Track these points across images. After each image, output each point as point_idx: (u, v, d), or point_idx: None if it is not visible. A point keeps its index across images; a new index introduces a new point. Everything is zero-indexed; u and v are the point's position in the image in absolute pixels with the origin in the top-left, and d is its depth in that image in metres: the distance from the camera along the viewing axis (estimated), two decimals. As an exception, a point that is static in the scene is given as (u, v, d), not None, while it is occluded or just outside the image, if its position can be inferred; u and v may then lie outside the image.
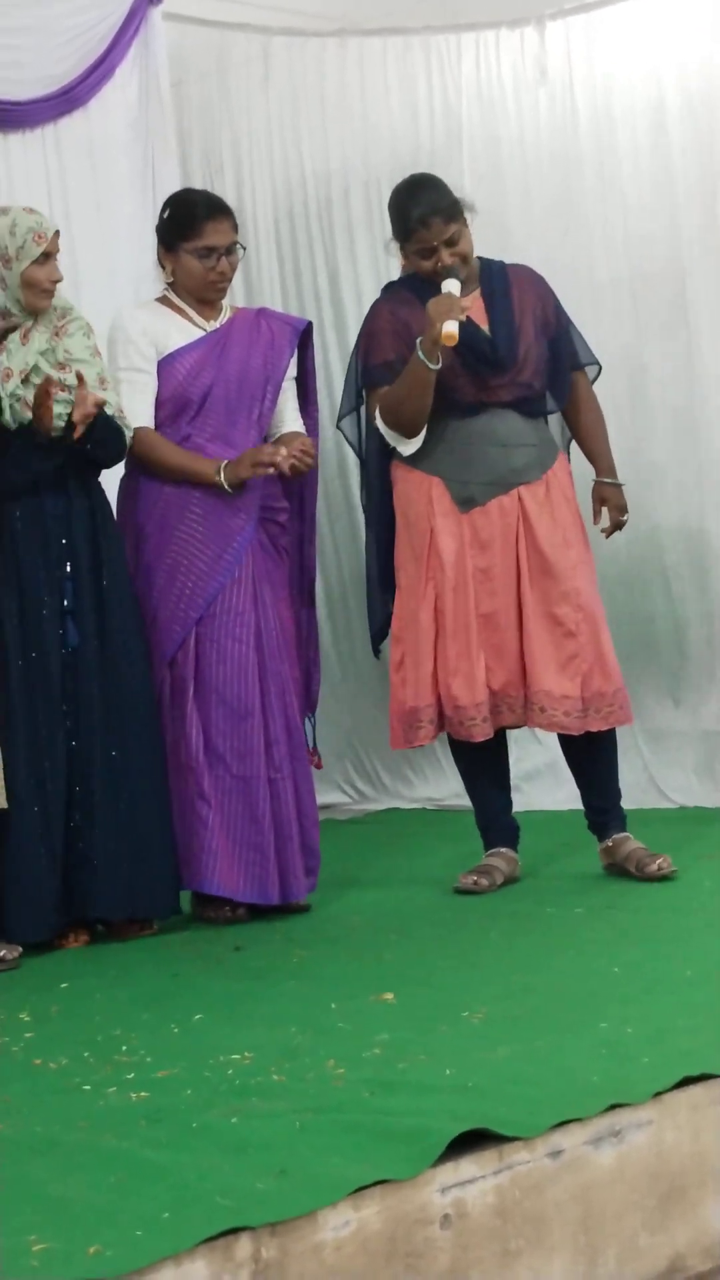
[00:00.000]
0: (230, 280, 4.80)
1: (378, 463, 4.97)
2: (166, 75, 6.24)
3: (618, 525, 4.98)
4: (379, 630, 5.09)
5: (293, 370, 4.84)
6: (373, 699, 6.62)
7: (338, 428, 5.11)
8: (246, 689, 4.61)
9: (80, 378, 4.39)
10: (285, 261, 6.68)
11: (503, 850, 4.90)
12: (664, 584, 6.09)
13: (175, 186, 5.74)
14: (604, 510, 4.96)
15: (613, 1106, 2.72)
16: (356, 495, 6.56)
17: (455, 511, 4.76)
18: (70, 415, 4.36)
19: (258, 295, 6.58)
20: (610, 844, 4.84)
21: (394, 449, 4.82)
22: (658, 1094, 2.79)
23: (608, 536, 5.03)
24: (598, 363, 5.04)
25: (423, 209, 4.74)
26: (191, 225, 4.73)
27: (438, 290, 4.68)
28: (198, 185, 6.34)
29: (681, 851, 4.97)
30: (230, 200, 6.59)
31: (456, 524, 4.76)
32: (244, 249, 4.87)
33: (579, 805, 5.00)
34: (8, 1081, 3.12)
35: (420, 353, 4.61)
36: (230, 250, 4.74)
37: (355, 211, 6.57)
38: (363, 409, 4.96)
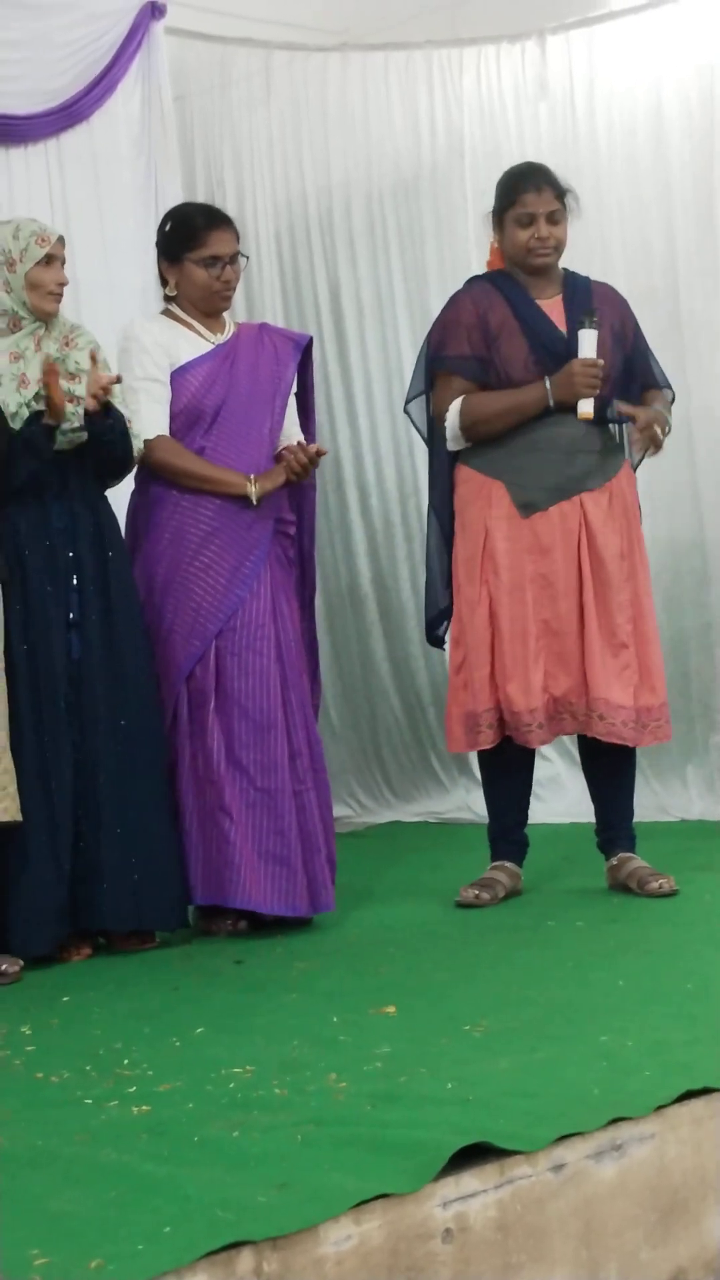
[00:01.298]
0: (234, 289, 4.80)
1: (444, 450, 4.94)
2: (169, 90, 6.27)
3: (650, 434, 4.76)
4: (434, 620, 5.08)
5: (293, 385, 4.85)
6: (372, 712, 6.64)
7: (405, 411, 5.07)
8: (269, 701, 4.61)
9: (93, 356, 4.39)
10: (286, 275, 6.71)
11: (506, 864, 4.90)
12: (663, 598, 6.08)
13: (177, 200, 5.75)
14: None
15: (614, 1120, 2.72)
16: (354, 512, 6.60)
17: (515, 516, 4.75)
18: (86, 393, 4.36)
19: (259, 308, 6.60)
20: (615, 862, 4.84)
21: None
22: (659, 1107, 2.79)
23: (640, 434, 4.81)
24: (672, 389, 5.02)
25: (537, 176, 4.82)
26: (195, 235, 4.74)
27: (521, 289, 4.76)
28: (200, 199, 6.37)
29: (682, 865, 4.98)
30: (232, 214, 6.61)
31: (515, 528, 4.75)
32: (246, 258, 4.88)
33: (580, 819, 5.01)
34: (8, 1094, 3.12)
35: (550, 386, 4.67)
36: (234, 259, 4.75)
37: (356, 225, 6.59)
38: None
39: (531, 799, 6.01)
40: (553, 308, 4.79)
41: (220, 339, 4.77)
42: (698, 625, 6.05)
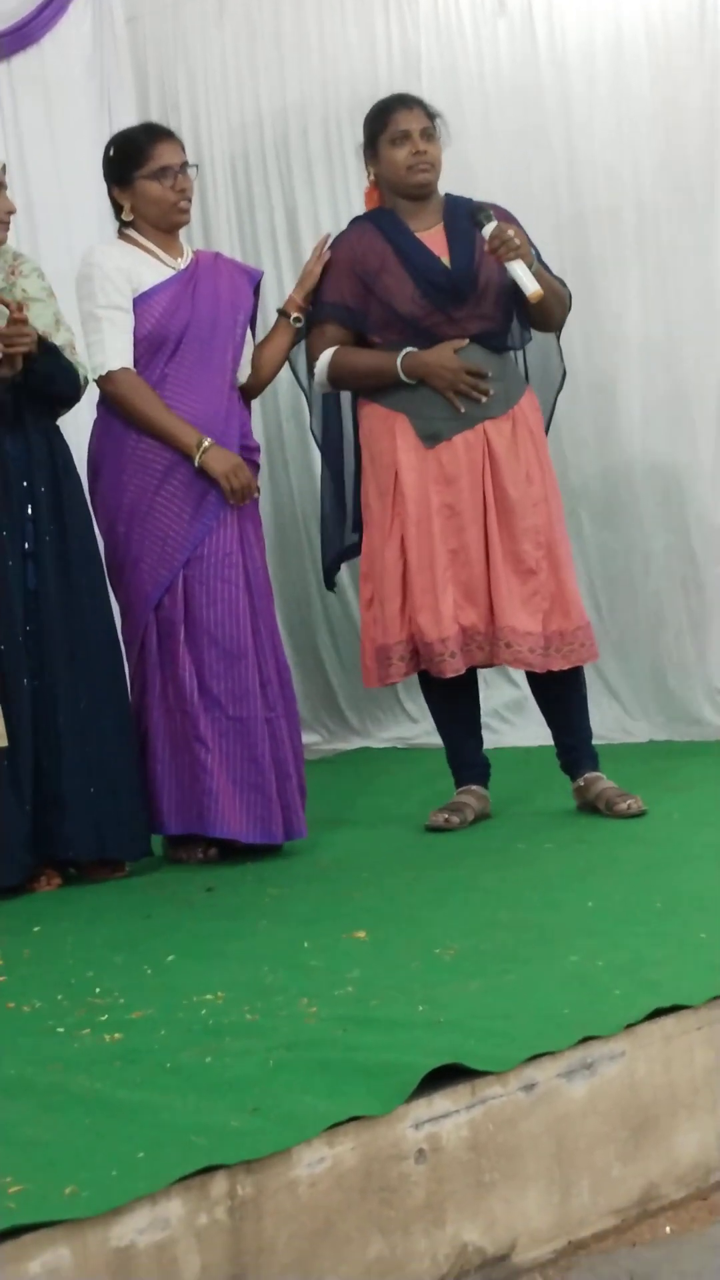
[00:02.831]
0: (190, 200, 4.73)
1: (327, 396, 4.99)
2: (120, 11, 6.20)
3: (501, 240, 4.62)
4: (332, 563, 5.09)
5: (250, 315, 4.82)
6: (337, 640, 6.63)
7: (288, 360, 5.07)
8: (239, 630, 4.59)
9: (20, 305, 4.34)
10: (241, 199, 6.65)
11: (473, 788, 4.90)
12: (633, 518, 6.09)
13: (132, 123, 5.69)
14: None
15: (584, 1039, 2.74)
16: (311, 438, 6.54)
17: (420, 447, 4.74)
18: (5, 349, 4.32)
19: (215, 233, 6.54)
20: (582, 783, 4.84)
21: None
22: (629, 1026, 2.80)
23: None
24: (566, 286, 4.98)
25: (406, 98, 4.85)
26: (141, 151, 4.68)
27: (400, 223, 4.71)
28: (150, 121, 6.29)
29: (651, 785, 4.99)
30: (187, 137, 6.53)
31: (421, 460, 4.74)
32: (196, 167, 4.81)
33: (548, 742, 5.01)
34: (-19, 1026, 3.12)
35: (400, 367, 4.68)
36: (184, 168, 4.69)
37: (313, 149, 6.53)
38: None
39: (500, 723, 6.07)
40: (434, 238, 4.77)
41: (181, 263, 4.72)
42: (660, 546, 6.04)
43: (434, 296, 4.70)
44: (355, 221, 4.94)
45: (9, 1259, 2.11)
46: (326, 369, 4.82)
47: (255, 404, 4.97)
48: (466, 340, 4.68)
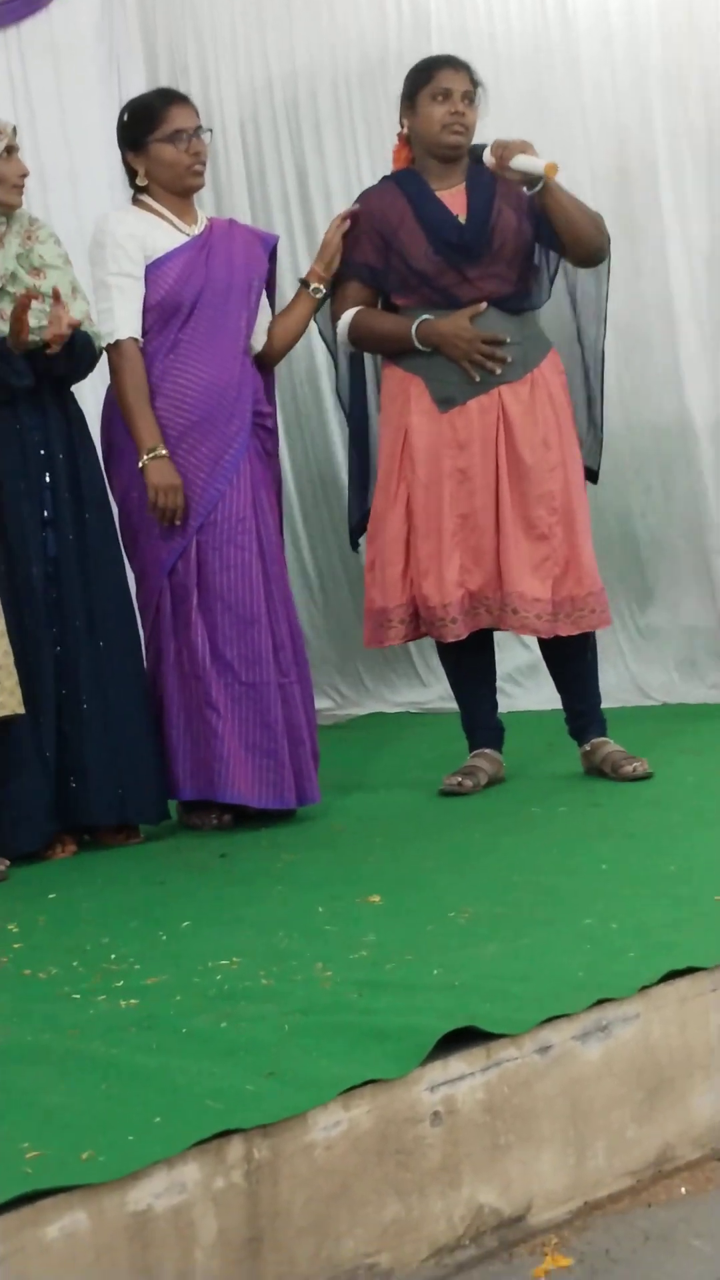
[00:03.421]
0: (204, 164, 4.71)
1: (350, 356, 4.97)
2: (130, -26, 6.16)
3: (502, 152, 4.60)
4: (357, 525, 5.08)
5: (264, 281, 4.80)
6: (354, 604, 6.62)
7: (314, 319, 5.06)
8: (252, 595, 4.58)
9: (56, 294, 4.34)
10: (252, 163, 6.62)
11: (487, 751, 4.91)
12: (642, 480, 6.08)
13: (141, 88, 5.67)
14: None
15: (599, 1001, 2.74)
16: (328, 399, 6.54)
17: (433, 410, 4.72)
18: (45, 334, 4.32)
19: (226, 197, 6.52)
20: (589, 748, 4.84)
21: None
22: (644, 988, 2.81)
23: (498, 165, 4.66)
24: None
25: (454, 59, 4.81)
26: (154, 115, 4.66)
27: (423, 182, 4.72)
28: (163, 86, 6.27)
29: (664, 747, 5.00)
30: (196, 101, 6.49)
31: (434, 423, 4.73)
32: (210, 131, 4.79)
33: (562, 706, 5.00)
34: (-3, 992, 3.14)
35: (414, 334, 4.66)
36: (197, 132, 4.67)
37: (323, 111, 6.50)
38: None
39: (513, 687, 6.07)
40: (454, 197, 4.75)
41: (195, 230, 4.71)
42: (676, 510, 6.03)
43: (446, 253, 4.68)
44: (381, 180, 4.93)
45: (27, 1223, 2.12)
46: (347, 329, 4.82)
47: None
48: (485, 305, 4.66)
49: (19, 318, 4.28)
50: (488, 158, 4.59)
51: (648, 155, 5.96)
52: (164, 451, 4.51)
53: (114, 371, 4.58)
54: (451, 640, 4.74)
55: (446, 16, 6.24)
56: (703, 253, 5.90)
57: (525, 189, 4.63)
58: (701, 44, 5.83)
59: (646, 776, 4.68)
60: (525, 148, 4.57)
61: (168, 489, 4.50)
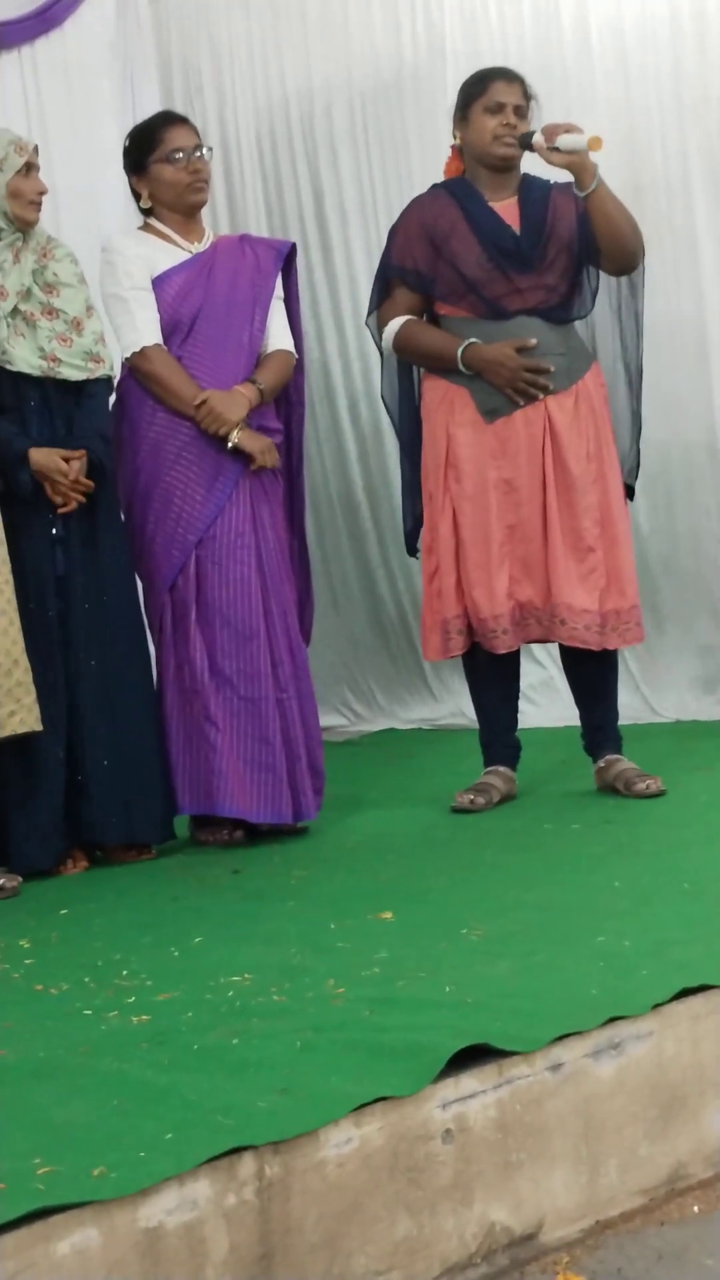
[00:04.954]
0: (208, 182, 4.74)
1: (401, 362, 4.97)
2: (144, -8, 6.18)
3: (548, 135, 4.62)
4: (411, 530, 5.07)
5: (279, 291, 4.81)
6: (366, 621, 6.63)
7: (366, 324, 5.07)
8: (250, 611, 4.60)
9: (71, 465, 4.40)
10: (268, 179, 6.64)
11: (500, 769, 4.90)
12: (656, 500, 6.07)
13: (155, 107, 5.70)
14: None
15: (612, 1019, 2.74)
16: (344, 414, 6.55)
17: (478, 421, 4.72)
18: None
19: (241, 214, 6.54)
20: (603, 765, 4.84)
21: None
22: (656, 1006, 2.80)
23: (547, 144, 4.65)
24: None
25: (509, 72, 4.84)
26: (154, 137, 4.71)
27: (475, 191, 4.73)
28: (178, 105, 6.31)
29: (676, 765, 4.99)
30: (212, 119, 6.56)
31: (478, 434, 4.73)
32: (210, 149, 4.82)
33: (575, 723, 5.00)
34: (9, 1007, 3.13)
35: (460, 358, 4.67)
36: (197, 150, 4.70)
37: (338, 128, 6.52)
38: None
39: (526, 704, 6.04)
40: (507, 209, 4.77)
41: (198, 248, 4.73)
42: (691, 527, 6.02)
43: (500, 261, 4.69)
44: (432, 188, 4.93)
45: (38, 1239, 2.12)
46: (393, 339, 4.82)
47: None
48: (534, 341, 4.66)
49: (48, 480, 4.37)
50: (538, 139, 4.61)
51: (661, 173, 5.96)
52: (235, 431, 4.56)
53: (151, 378, 4.59)
54: (504, 650, 4.74)
55: (460, 35, 6.25)
56: (716, 271, 5.89)
57: (576, 190, 4.63)
58: (714, 63, 5.83)
59: (660, 794, 4.67)
60: (571, 128, 4.59)
61: (267, 449, 4.62)
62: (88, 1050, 2.79)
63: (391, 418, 5.16)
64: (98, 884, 4.32)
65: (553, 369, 4.68)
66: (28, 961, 3.50)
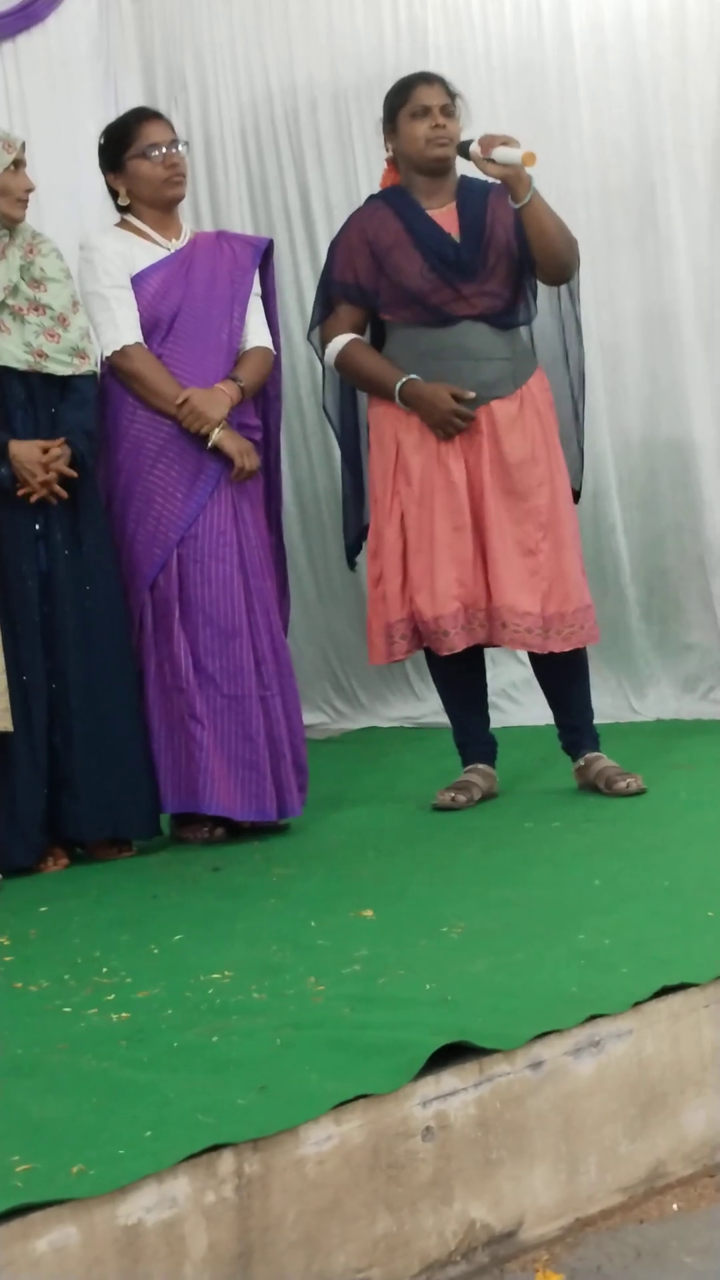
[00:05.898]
0: (185, 175, 4.73)
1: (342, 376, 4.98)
2: (127, -12, 6.17)
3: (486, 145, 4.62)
4: (353, 542, 5.09)
5: (257, 288, 4.81)
6: (348, 618, 6.62)
7: (308, 339, 5.10)
8: (233, 608, 4.59)
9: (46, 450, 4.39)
10: (253, 177, 6.63)
11: (480, 766, 4.90)
12: (639, 497, 6.07)
13: (138, 102, 5.68)
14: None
15: (592, 1017, 2.74)
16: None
17: (424, 426, 4.73)
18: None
19: (225, 212, 6.52)
20: (583, 763, 4.84)
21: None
22: (637, 1004, 2.80)
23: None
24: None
25: (427, 75, 4.88)
26: (128, 133, 4.71)
27: (413, 201, 4.74)
28: (161, 101, 6.30)
29: (657, 763, 4.99)
30: (195, 117, 6.55)
31: (424, 438, 4.74)
32: (187, 144, 4.82)
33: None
34: (-12, 1005, 3.13)
35: (398, 393, 4.70)
36: (173, 144, 4.69)
37: (323, 126, 6.51)
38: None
39: (507, 701, 6.06)
40: (446, 216, 4.78)
41: (176, 244, 4.72)
42: (671, 525, 6.03)
43: (442, 271, 4.70)
44: (369, 200, 4.95)
45: (16, 1237, 2.12)
46: (335, 357, 4.85)
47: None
48: (473, 394, 4.68)
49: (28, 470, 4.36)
50: (474, 149, 4.62)
51: (642, 171, 5.96)
52: (216, 428, 4.57)
53: (133, 376, 4.58)
54: (447, 653, 4.74)
55: (444, 32, 6.25)
56: (697, 268, 5.89)
57: (511, 201, 4.65)
58: (695, 61, 5.83)
59: (640, 792, 4.67)
60: (508, 140, 4.60)
61: (246, 451, 4.62)
62: (67, 1048, 2.78)
63: (334, 429, 5.18)
64: (78, 881, 4.31)
65: (476, 416, 4.70)
66: (7, 958, 3.49)
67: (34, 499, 4.38)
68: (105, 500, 4.65)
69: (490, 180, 4.78)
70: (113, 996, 3.09)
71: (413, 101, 4.77)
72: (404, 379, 4.70)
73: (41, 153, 5.80)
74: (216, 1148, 2.29)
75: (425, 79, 4.83)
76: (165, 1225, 2.23)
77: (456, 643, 4.72)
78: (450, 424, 4.68)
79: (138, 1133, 2.34)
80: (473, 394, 4.68)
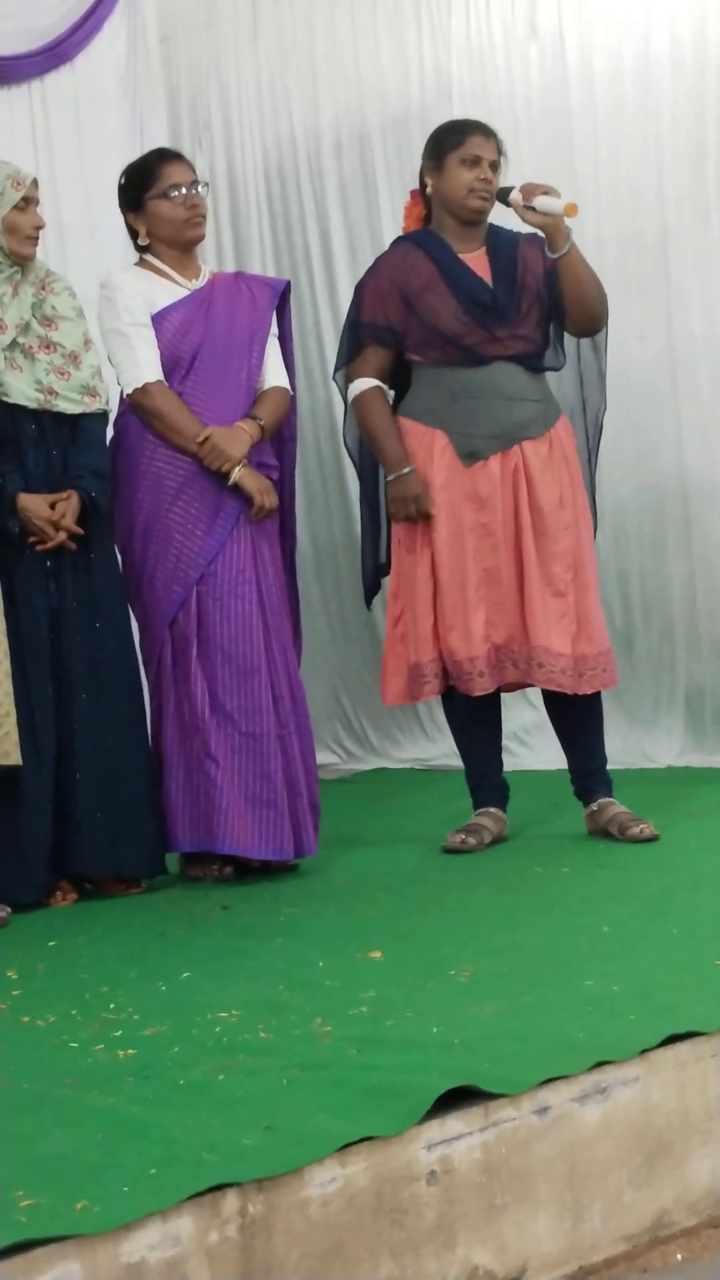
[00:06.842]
0: (205, 216, 4.76)
1: None
2: (155, 30, 6.22)
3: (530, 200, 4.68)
4: (371, 583, 5.10)
5: (274, 328, 4.83)
6: (362, 659, 6.63)
7: (333, 379, 5.11)
8: (252, 646, 4.60)
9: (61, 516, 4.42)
10: (276, 219, 6.67)
11: (491, 810, 4.90)
12: (643, 543, 6.08)
13: (163, 143, 5.71)
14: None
15: (599, 1064, 2.73)
16: (346, 457, 6.54)
17: (455, 465, 4.75)
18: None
19: (247, 253, 6.56)
20: (595, 808, 4.83)
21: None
22: (644, 1051, 2.79)
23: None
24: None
25: (485, 126, 4.87)
26: (150, 174, 4.73)
27: (445, 244, 4.77)
28: (186, 142, 6.34)
29: (667, 810, 4.98)
30: (220, 157, 6.59)
31: (455, 478, 4.75)
32: (207, 185, 4.85)
33: (566, 765, 4.99)
34: (-5, 1039, 3.13)
35: (396, 479, 4.76)
36: (193, 185, 4.71)
37: (347, 168, 6.54)
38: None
39: (518, 745, 6.06)
40: (476, 260, 4.81)
41: (196, 284, 4.75)
42: (680, 572, 6.03)
43: (477, 314, 4.72)
44: (398, 241, 4.97)
45: (19, 1273, 2.11)
46: (352, 401, 4.89)
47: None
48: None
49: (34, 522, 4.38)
50: (515, 196, 4.64)
51: (660, 218, 5.98)
52: (238, 466, 4.59)
53: (154, 414, 4.59)
54: (480, 693, 4.75)
55: (468, 77, 6.29)
56: (709, 316, 5.91)
57: (548, 252, 4.67)
58: (715, 110, 5.86)
59: (653, 838, 4.67)
60: (549, 190, 4.63)
61: (266, 489, 4.62)
62: (73, 1083, 2.78)
63: (354, 463, 5.20)
64: (86, 917, 4.31)
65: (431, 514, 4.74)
66: (15, 992, 3.49)
67: (44, 546, 4.39)
68: (125, 538, 4.66)
69: (519, 232, 4.81)
70: (119, 1033, 3.09)
71: (466, 147, 4.78)
72: (404, 470, 4.74)
73: (66, 191, 5.84)
74: (221, 1187, 2.29)
75: (483, 131, 4.84)
76: (168, 1264, 2.22)
77: (488, 684, 4.73)
78: (408, 512, 4.74)
79: (142, 1170, 2.33)
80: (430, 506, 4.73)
